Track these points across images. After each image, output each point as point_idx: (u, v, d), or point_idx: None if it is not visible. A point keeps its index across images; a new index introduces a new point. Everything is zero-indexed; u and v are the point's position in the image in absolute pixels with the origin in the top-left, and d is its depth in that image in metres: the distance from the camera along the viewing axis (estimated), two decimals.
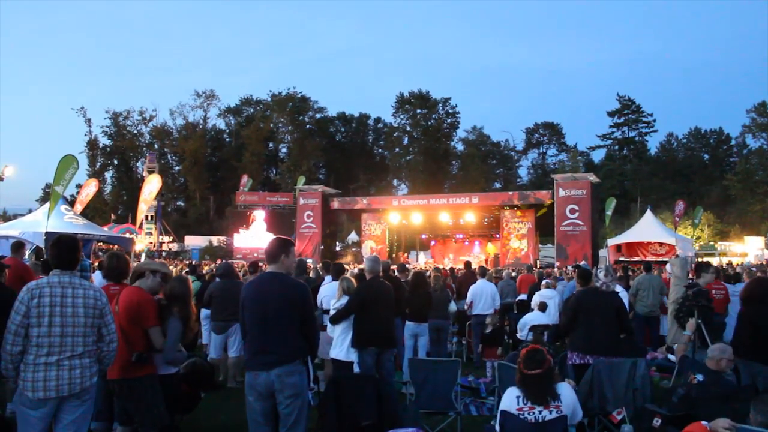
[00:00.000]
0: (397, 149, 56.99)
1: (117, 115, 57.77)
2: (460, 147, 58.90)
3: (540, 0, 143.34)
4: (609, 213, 25.84)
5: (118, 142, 57.65)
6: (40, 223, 13.83)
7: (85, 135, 57.40)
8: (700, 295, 6.12)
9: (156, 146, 57.77)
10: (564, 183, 22.94)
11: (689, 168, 53.40)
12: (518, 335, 8.29)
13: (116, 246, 18.92)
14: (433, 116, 56.62)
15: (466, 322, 9.78)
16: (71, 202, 21.81)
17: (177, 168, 59.79)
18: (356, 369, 5.60)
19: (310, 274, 10.73)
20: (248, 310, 3.80)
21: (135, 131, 59.23)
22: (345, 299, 5.92)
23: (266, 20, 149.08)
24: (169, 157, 60.16)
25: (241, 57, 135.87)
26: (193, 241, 39.87)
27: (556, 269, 17.57)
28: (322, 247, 27.28)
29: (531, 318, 8.17)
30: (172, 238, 41.57)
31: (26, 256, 10.10)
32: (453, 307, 8.93)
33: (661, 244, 22.92)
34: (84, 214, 19.13)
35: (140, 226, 32.53)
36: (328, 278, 8.08)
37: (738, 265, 17.17)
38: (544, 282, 10.02)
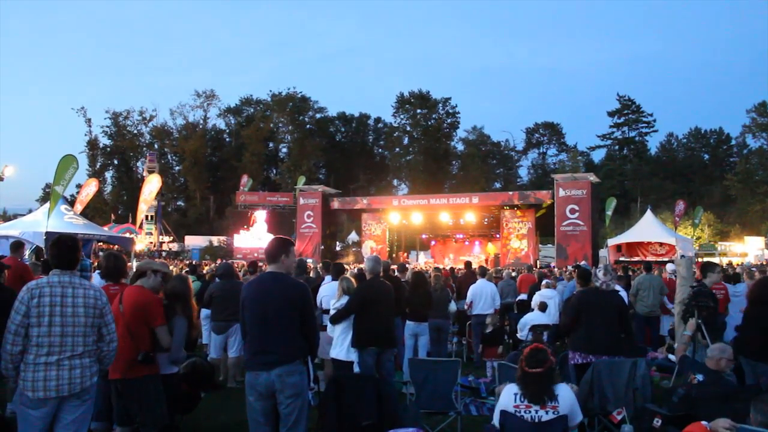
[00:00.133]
0: (397, 149, 57.01)
1: (117, 115, 57.89)
2: (460, 147, 58.99)
3: (540, 0, 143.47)
4: (609, 213, 25.84)
5: (118, 142, 57.69)
6: (40, 223, 13.83)
7: (85, 135, 57.64)
8: (700, 294, 6.10)
9: (156, 146, 57.83)
10: (564, 183, 22.94)
11: (689, 168, 53.41)
12: (518, 335, 8.29)
13: (116, 246, 18.95)
14: (433, 116, 56.63)
15: (466, 321, 9.78)
16: (71, 202, 21.80)
17: (177, 168, 59.84)
18: (356, 369, 5.60)
19: (310, 274, 10.74)
20: (248, 310, 3.80)
21: (135, 131, 59.34)
22: (345, 299, 5.92)
23: (266, 20, 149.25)
24: (169, 157, 60.22)
25: (241, 57, 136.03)
26: (193, 241, 39.88)
27: (556, 269, 17.56)
28: (323, 247, 27.28)
29: (531, 318, 8.17)
30: (172, 238, 41.59)
31: (26, 256, 10.10)
32: (453, 306, 8.93)
33: (661, 244, 22.93)
34: (84, 214, 19.13)
35: (140, 226, 32.59)
36: (328, 278, 8.08)
37: (738, 265, 17.16)
38: (544, 282, 10.01)
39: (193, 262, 19.23)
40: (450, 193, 41.81)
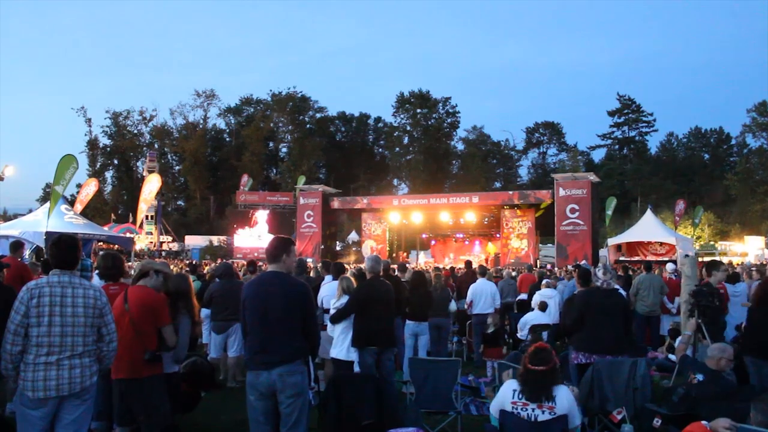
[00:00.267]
0: (397, 149, 56.98)
1: (117, 114, 57.88)
2: (460, 146, 59.00)
3: (540, 0, 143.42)
4: (609, 212, 25.84)
5: (118, 142, 57.69)
6: (40, 223, 13.86)
7: (85, 135, 57.63)
8: (700, 294, 6.10)
9: (156, 146, 57.82)
10: (564, 182, 22.93)
11: (689, 167, 53.40)
12: (518, 335, 8.29)
13: (116, 246, 18.95)
14: (434, 116, 56.59)
15: (466, 321, 9.78)
16: (71, 202, 21.82)
17: (177, 168, 59.87)
18: (356, 368, 5.60)
19: (310, 274, 10.73)
20: (250, 310, 3.79)
21: (135, 131, 59.33)
22: (345, 299, 5.92)
23: (266, 20, 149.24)
24: (169, 156, 60.24)
25: (241, 56, 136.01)
26: (193, 241, 39.87)
27: (556, 269, 17.56)
28: (323, 246, 27.29)
29: (531, 317, 8.17)
30: (172, 237, 41.60)
31: (26, 256, 10.10)
32: (453, 306, 8.93)
33: (661, 244, 22.93)
34: (84, 213, 19.15)
35: (140, 226, 32.61)
36: (328, 278, 8.08)
37: (738, 264, 17.15)
38: (544, 281, 10.02)
39: (193, 262, 19.24)
40: (450, 192, 41.80)
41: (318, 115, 62.95)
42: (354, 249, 29.87)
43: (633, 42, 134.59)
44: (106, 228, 23.81)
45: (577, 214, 22.22)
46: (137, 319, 4.04)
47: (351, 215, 35.80)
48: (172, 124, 60.33)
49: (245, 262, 14.21)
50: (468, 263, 12.57)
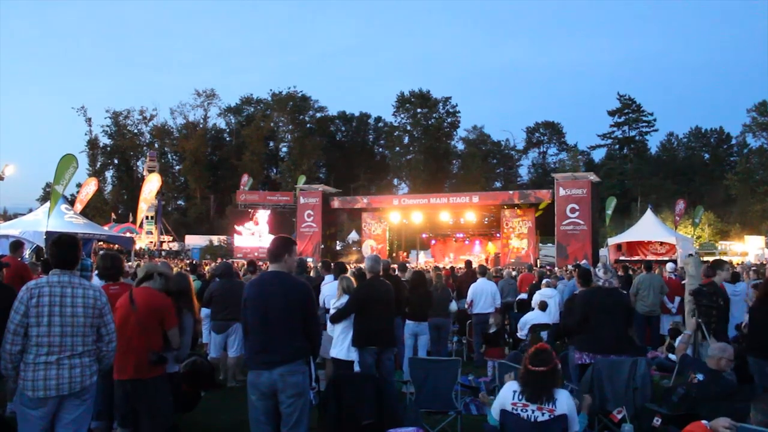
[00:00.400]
0: (397, 148, 56.95)
1: (117, 114, 57.89)
2: (460, 146, 58.93)
3: (540, 0, 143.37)
4: (609, 212, 25.82)
5: (119, 142, 57.70)
6: (40, 223, 13.87)
7: (86, 134, 57.66)
8: (700, 294, 6.10)
9: (156, 145, 57.83)
10: (564, 182, 22.93)
11: (690, 167, 53.37)
12: (518, 334, 8.29)
13: (116, 245, 18.97)
14: (434, 115, 56.56)
15: (466, 321, 9.78)
16: (71, 202, 21.82)
17: (177, 167, 59.85)
18: (356, 368, 5.60)
19: (310, 274, 10.73)
20: (250, 309, 3.79)
21: (135, 130, 59.35)
22: (345, 298, 5.92)
23: (266, 19, 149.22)
24: (169, 156, 60.22)
25: (241, 56, 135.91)
26: (193, 241, 39.87)
27: (556, 269, 17.55)
28: (323, 246, 27.29)
29: (531, 317, 8.17)
30: (172, 237, 41.59)
31: (26, 255, 10.11)
32: (453, 306, 8.93)
33: (661, 244, 22.94)
34: (84, 213, 19.16)
35: (141, 226, 32.59)
36: (329, 277, 8.08)
37: (738, 264, 17.14)
38: (544, 281, 10.02)
39: (194, 262, 19.23)
40: (450, 192, 41.79)
41: (318, 115, 62.94)
42: (354, 249, 29.87)
43: (633, 42, 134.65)
44: (106, 228, 23.82)
45: (577, 213, 22.22)
46: (144, 320, 4.05)
47: (351, 215, 35.80)
48: (172, 123, 60.44)
49: (245, 262, 14.22)
50: (468, 263, 12.56)
